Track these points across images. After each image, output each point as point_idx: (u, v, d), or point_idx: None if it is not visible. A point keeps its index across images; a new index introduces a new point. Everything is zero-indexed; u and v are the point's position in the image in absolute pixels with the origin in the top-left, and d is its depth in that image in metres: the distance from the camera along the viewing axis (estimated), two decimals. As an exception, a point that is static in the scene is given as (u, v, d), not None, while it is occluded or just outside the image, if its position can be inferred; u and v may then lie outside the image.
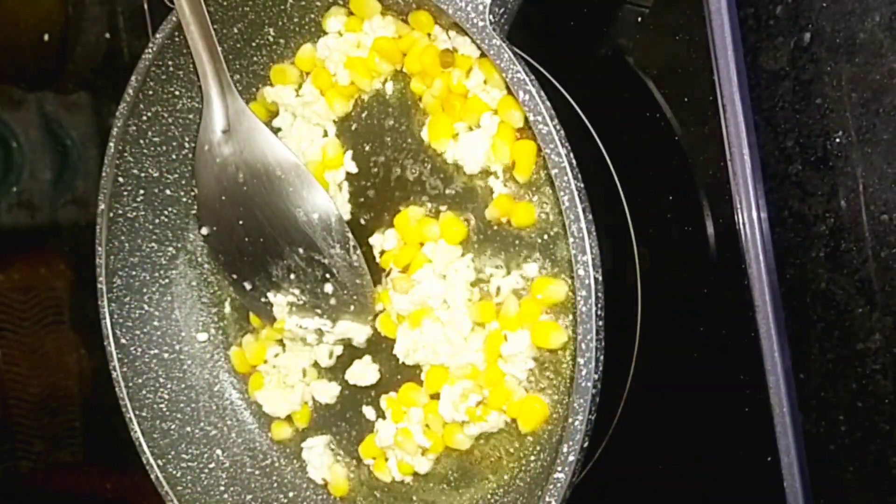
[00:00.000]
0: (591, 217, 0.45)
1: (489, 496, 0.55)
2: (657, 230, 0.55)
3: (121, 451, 0.78)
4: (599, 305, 0.44)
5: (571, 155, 0.45)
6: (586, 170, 0.45)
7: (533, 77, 0.46)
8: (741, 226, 0.51)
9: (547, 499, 0.46)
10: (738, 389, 0.52)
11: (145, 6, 0.76)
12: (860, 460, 0.49)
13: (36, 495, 0.93)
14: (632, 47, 0.55)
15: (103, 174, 0.63)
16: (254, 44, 0.61)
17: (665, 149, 0.54)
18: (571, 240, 0.45)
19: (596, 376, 0.44)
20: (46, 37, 0.84)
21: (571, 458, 0.45)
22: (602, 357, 0.44)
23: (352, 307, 0.58)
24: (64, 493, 0.91)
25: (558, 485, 0.46)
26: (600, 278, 0.44)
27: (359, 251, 0.57)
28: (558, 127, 0.45)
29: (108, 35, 0.80)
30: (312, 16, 0.59)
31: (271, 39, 0.61)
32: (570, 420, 0.45)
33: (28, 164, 0.89)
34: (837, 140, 0.48)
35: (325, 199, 0.57)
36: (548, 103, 0.46)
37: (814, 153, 0.49)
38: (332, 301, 0.59)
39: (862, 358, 0.48)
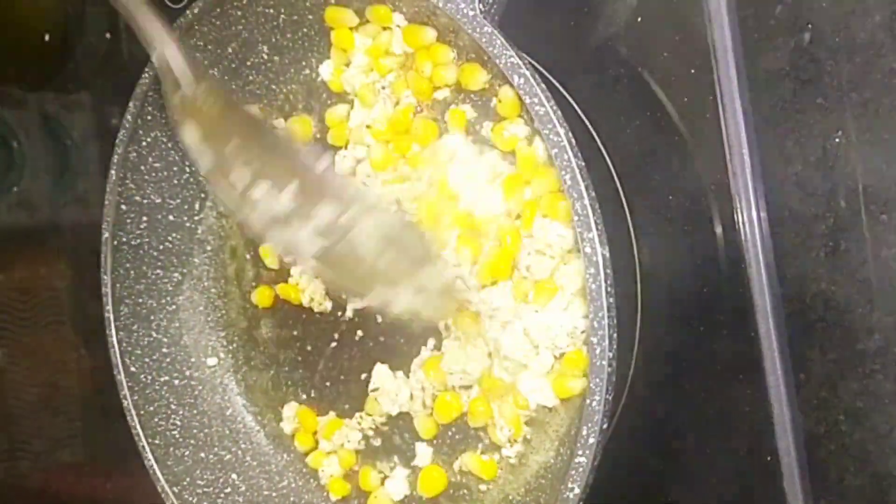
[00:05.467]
0: (594, 194, 0.44)
1: (510, 498, 0.55)
2: (657, 230, 0.55)
3: (121, 451, 0.78)
4: (609, 282, 0.44)
5: (570, 134, 0.45)
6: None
7: (527, 59, 0.46)
8: (741, 226, 0.51)
9: (570, 485, 0.46)
10: (738, 389, 0.52)
11: (146, 6, 0.76)
12: (860, 460, 0.49)
13: (36, 495, 0.93)
14: (631, 47, 0.55)
15: (105, 202, 0.63)
16: (248, 63, 0.61)
17: (665, 148, 0.54)
18: (576, 218, 0.44)
19: (610, 354, 0.44)
20: (47, 36, 0.84)
21: (592, 440, 0.45)
22: (615, 335, 0.44)
23: None
24: (64, 494, 0.91)
25: (580, 469, 0.45)
26: (608, 255, 0.44)
27: None
28: (555, 108, 0.45)
29: (108, 35, 0.80)
30: (304, 30, 0.59)
31: (265, 57, 0.61)
32: (588, 401, 0.44)
33: (28, 164, 0.89)
34: (837, 140, 0.48)
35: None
36: (542, 85, 0.46)
37: (813, 153, 0.49)
38: None
39: (862, 358, 0.48)
